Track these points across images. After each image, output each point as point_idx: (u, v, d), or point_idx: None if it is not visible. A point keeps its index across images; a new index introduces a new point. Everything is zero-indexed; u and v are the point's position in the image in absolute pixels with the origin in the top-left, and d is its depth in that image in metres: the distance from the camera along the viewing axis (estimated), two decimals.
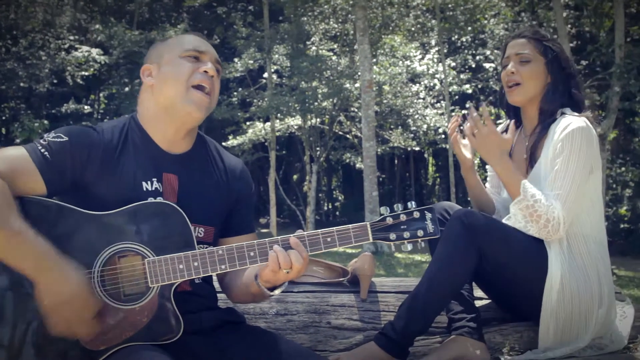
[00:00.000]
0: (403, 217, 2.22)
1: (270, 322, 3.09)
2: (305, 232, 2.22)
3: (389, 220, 2.22)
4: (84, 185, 2.24)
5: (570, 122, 2.90)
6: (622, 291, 3.37)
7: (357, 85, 21.10)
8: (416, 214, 2.22)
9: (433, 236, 2.22)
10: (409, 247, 2.22)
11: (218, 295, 2.53)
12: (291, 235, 2.22)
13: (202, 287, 2.39)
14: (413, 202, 2.25)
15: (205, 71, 2.33)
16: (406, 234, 2.21)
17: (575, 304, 2.82)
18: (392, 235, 2.22)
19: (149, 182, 2.29)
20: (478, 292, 3.21)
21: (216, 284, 2.57)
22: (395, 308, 3.09)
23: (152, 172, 2.31)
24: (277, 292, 2.29)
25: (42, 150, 2.19)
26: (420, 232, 2.21)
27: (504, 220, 2.95)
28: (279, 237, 2.22)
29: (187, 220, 2.22)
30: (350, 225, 2.22)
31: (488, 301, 3.27)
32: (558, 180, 2.85)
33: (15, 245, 2.01)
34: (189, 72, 2.31)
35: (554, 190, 2.84)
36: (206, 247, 2.33)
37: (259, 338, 2.35)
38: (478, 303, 3.15)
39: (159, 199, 2.26)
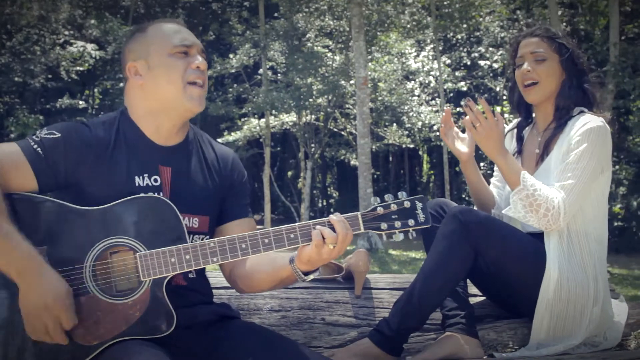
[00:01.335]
0: (394, 207, 2.22)
1: (264, 318, 3.08)
2: (297, 224, 2.22)
3: (380, 210, 2.22)
4: (76, 182, 2.23)
5: (589, 120, 2.92)
6: (615, 287, 3.38)
7: (352, 82, 21.10)
8: (407, 204, 2.23)
9: (424, 225, 2.22)
10: (401, 236, 2.22)
11: (214, 291, 2.52)
12: (281, 225, 2.21)
13: (198, 282, 2.39)
14: (404, 192, 2.25)
15: (198, 67, 2.32)
16: (397, 224, 2.22)
17: (571, 299, 2.83)
18: (384, 225, 2.22)
19: (141, 178, 2.29)
20: (473, 289, 3.22)
21: (212, 280, 2.56)
22: (389, 305, 3.09)
23: (146, 167, 2.31)
24: (311, 276, 2.27)
25: (35, 146, 2.19)
26: (411, 222, 2.22)
27: (503, 211, 2.95)
28: (269, 229, 2.21)
29: (178, 213, 2.22)
30: (342, 215, 2.21)
31: (482, 298, 3.27)
32: (567, 172, 2.86)
33: (1, 249, 2.03)
34: (182, 70, 2.30)
35: (560, 181, 2.86)
36: (202, 237, 2.34)
37: (253, 334, 2.35)
38: (472, 300, 3.15)
39: (150, 194, 2.26)
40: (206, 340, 2.31)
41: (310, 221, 2.21)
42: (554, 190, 2.85)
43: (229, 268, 2.46)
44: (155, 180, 2.30)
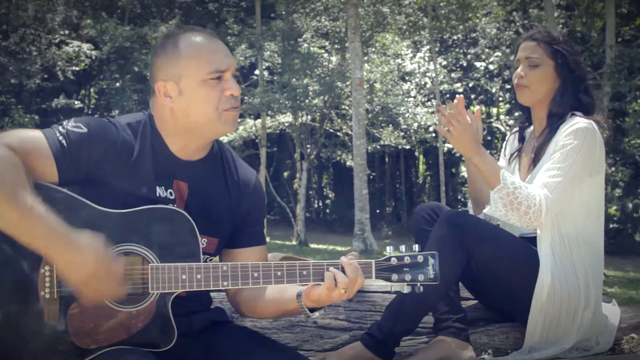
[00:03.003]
0: (407, 260, 2.22)
1: (256, 321, 3.08)
2: (311, 261, 2.21)
3: (394, 261, 2.22)
4: (96, 179, 2.19)
5: (577, 122, 2.92)
6: (610, 290, 3.38)
7: (348, 83, 21.12)
8: (420, 258, 2.22)
9: (432, 282, 2.21)
10: (406, 289, 2.21)
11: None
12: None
13: (198, 293, 2.31)
14: (417, 245, 2.25)
15: (232, 94, 2.25)
16: (407, 277, 2.21)
17: (564, 302, 2.84)
18: (395, 277, 2.21)
19: (162, 188, 2.25)
20: (465, 292, 3.21)
21: None
22: (382, 308, 3.09)
23: (165, 179, 2.27)
24: (317, 314, 2.26)
25: (60, 137, 2.14)
26: (421, 277, 2.21)
27: (484, 211, 2.95)
28: (283, 262, 2.18)
29: (196, 230, 2.19)
30: (356, 260, 2.21)
31: (475, 301, 3.27)
32: (552, 170, 2.86)
33: (26, 223, 1.96)
34: (216, 100, 2.23)
35: (544, 179, 2.85)
36: (206, 258, 2.31)
37: (245, 338, 2.34)
38: (464, 303, 3.15)
39: (171, 206, 2.22)
40: (199, 346, 2.30)
41: (325, 261, 2.21)
42: (536, 187, 2.84)
43: (233, 290, 2.42)
44: (171, 194, 2.27)
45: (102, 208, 2.14)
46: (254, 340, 2.33)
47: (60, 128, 2.17)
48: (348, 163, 25.19)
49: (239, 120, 2.49)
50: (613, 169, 23.61)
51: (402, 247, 2.24)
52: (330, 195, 37.38)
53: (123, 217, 2.15)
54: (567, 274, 2.85)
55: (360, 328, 3.08)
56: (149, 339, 2.14)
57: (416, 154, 33.24)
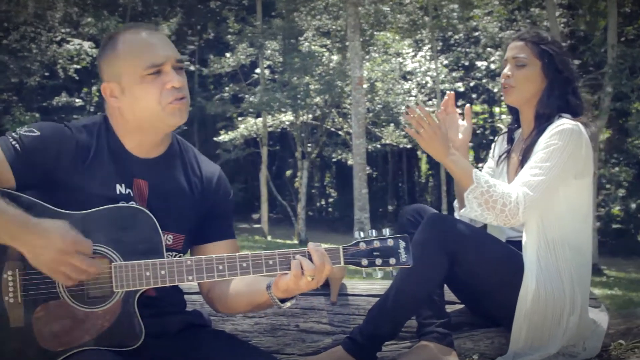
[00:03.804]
0: (376, 244, 2.18)
1: (237, 324, 3.05)
2: (277, 251, 2.18)
3: (362, 246, 2.18)
4: (54, 182, 2.19)
5: (562, 123, 2.89)
6: (610, 292, 3.33)
7: (348, 81, 21.13)
8: (390, 242, 2.18)
9: (405, 265, 2.17)
10: (380, 274, 2.18)
11: (189, 296, 2.49)
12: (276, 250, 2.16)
13: (168, 292, 2.33)
14: (387, 229, 2.21)
15: (173, 86, 2.23)
16: (378, 261, 2.17)
17: (549, 307, 2.80)
18: (364, 261, 2.18)
19: (122, 186, 2.25)
20: (451, 296, 3.16)
21: (186, 285, 2.50)
22: (365, 312, 3.04)
23: (123, 177, 2.26)
24: (288, 304, 2.23)
25: (13, 143, 2.15)
26: (392, 260, 2.17)
27: (460, 212, 2.91)
28: (248, 253, 2.17)
29: (158, 226, 2.19)
30: (323, 247, 2.18)
31: (460, 306, 3.22)
32: (534, 169, 2.83)
33: None
34: (157, 95, 2.21)
35: (525, 177, 2.82)
36: (175, 255, 2.30)
37: (223, 342, 2.32)
38: (450, 307, 3.11)
39: (132, 204, 2.22)
40: (174, 350, 2.27)
41: (291, 250, 2.18)
42: (513, 186, 2.81)
43: (206, 288, 2.43)
44: (130, 194, 2.26)
45: (62, 210, 2.14)
46: (232, 344, 2.31)
47: (13, 134, 2.19)
48: (349, 162, 25.22)
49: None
50: (617, 169, 23.61)
51: (372, 232, 2.20)
52: (332, 194, 37.41)
53: (84, 219, 2.14)
54: (552, 279, 2.81)
55: (343, 332, 3.03)
56: (116, 339, 2.14)
57: (418, 153, 33.25)
